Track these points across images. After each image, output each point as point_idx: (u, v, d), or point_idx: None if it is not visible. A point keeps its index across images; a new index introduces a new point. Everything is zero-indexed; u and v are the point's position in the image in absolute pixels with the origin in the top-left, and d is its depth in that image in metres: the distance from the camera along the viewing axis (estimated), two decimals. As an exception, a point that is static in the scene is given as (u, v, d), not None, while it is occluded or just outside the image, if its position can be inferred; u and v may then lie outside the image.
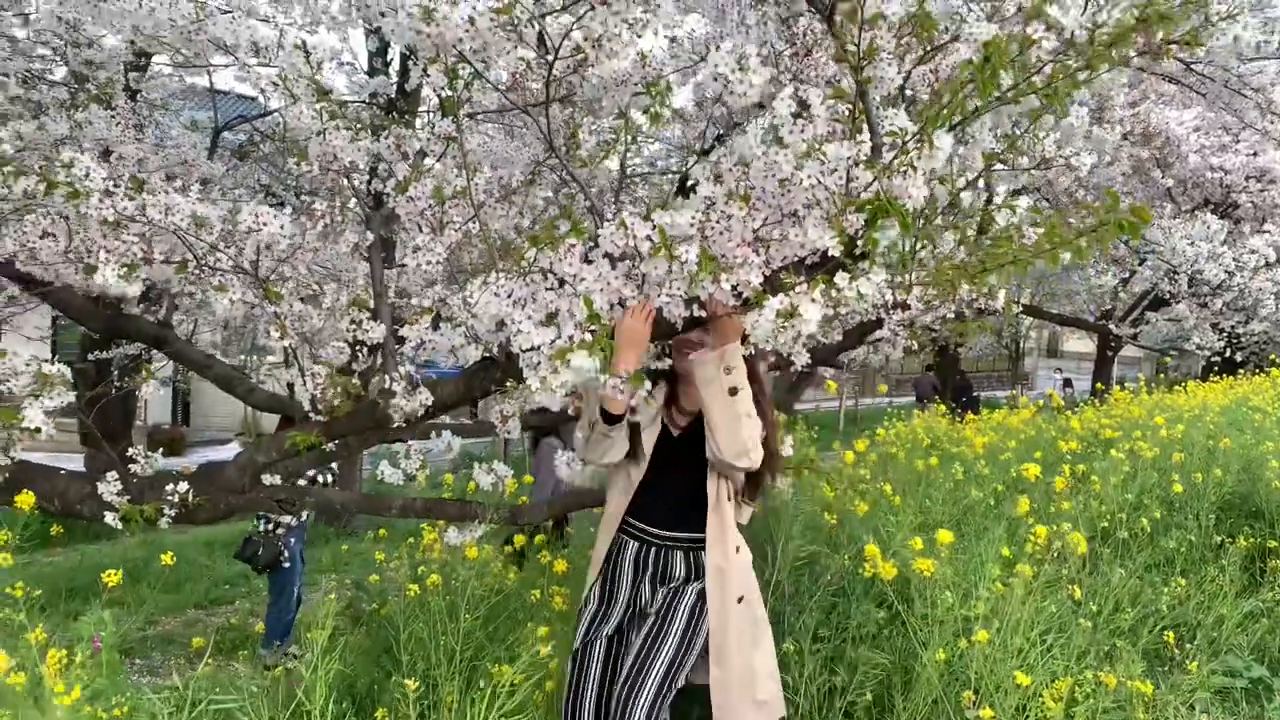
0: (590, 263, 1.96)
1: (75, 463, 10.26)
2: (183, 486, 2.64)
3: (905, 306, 2.91)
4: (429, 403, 2.40)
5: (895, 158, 1.72)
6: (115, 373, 8.24)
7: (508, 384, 2.31)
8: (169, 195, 2.30)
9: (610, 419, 2.18)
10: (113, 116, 4.28)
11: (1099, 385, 13.48)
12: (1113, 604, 2.76)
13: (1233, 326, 11.93)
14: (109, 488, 2.65)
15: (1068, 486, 4.32)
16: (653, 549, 2.35)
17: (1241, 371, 11.51)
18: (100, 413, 10.02)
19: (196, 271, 2.44)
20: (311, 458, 3.02)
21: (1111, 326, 11.73)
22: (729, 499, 2.28)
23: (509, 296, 2.08)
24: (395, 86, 6.76)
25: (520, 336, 1.95)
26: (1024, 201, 2.32)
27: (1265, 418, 6.25)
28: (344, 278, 3.09)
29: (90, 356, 8.72)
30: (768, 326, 1.71)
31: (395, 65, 7.46)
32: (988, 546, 2.54)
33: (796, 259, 1.88)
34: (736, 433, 2.11)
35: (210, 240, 2.41)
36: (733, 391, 2.08)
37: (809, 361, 2.77)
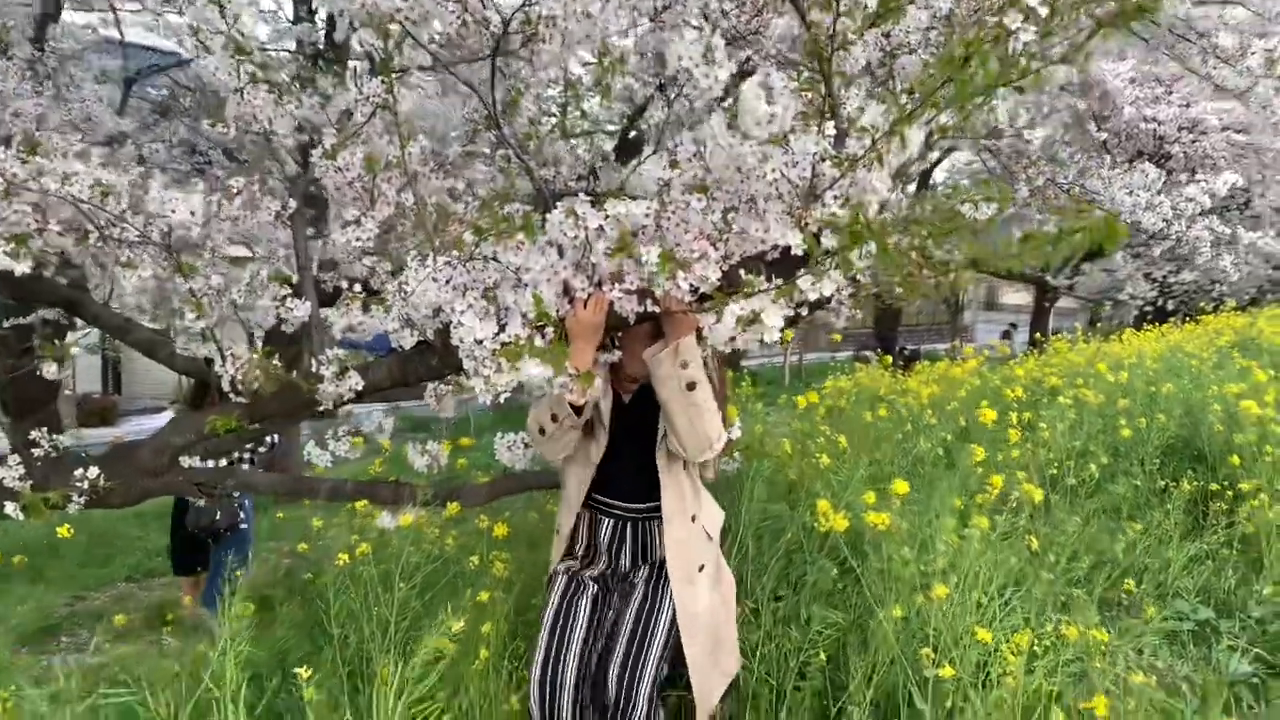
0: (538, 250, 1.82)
1: (-4, 435, 9.84)
2: (92, 471, 2.45)
3: (857, 284, 2.81)
4: (359, 387, 2.24)
5: (865, 155, 1.60)
6: (36, 341, 7.82)
7: (445, 373, 2.16)
8: (68, 160, 2.08)
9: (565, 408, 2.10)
10: (8, 65, 3.98)
11: (1038, 335, 13.69)
12: (1069, 553, 2.71)
13: (1165, 276, 12.18)
14: (9, 472, 2.45)
15: (1017, 436, 4.31)
16: (628, 524, 2.27)
17: (1172, 320, 11.73)
18: (19, 383, 9.58)
19: (99, 244, 2.22)
20: (234, 437, 2.84)
21: (1049, 278, 11.88)
22: (684, 465, 2.19)
23: (448, 282, 1.92)
24: (323, 35, 6.43)
25: (461, 330, 1.80)
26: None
27: (1201, 363, 6.32)
28: (267, 247, 2.87)
29: (5, 322, 8.25)
30: (726, 332, 1.59)
31: (322, 14, 7.11)
32: (942, 498, 2.47)
33: (756, 254, 1.76)
34: (699, 427, 2.03)
35: (116, 211, 2.20)
36: (690, 386, 1.99)
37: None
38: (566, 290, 1.80)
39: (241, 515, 5.49)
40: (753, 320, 1.63)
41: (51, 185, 1.96)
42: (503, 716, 2.31)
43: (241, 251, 2.80)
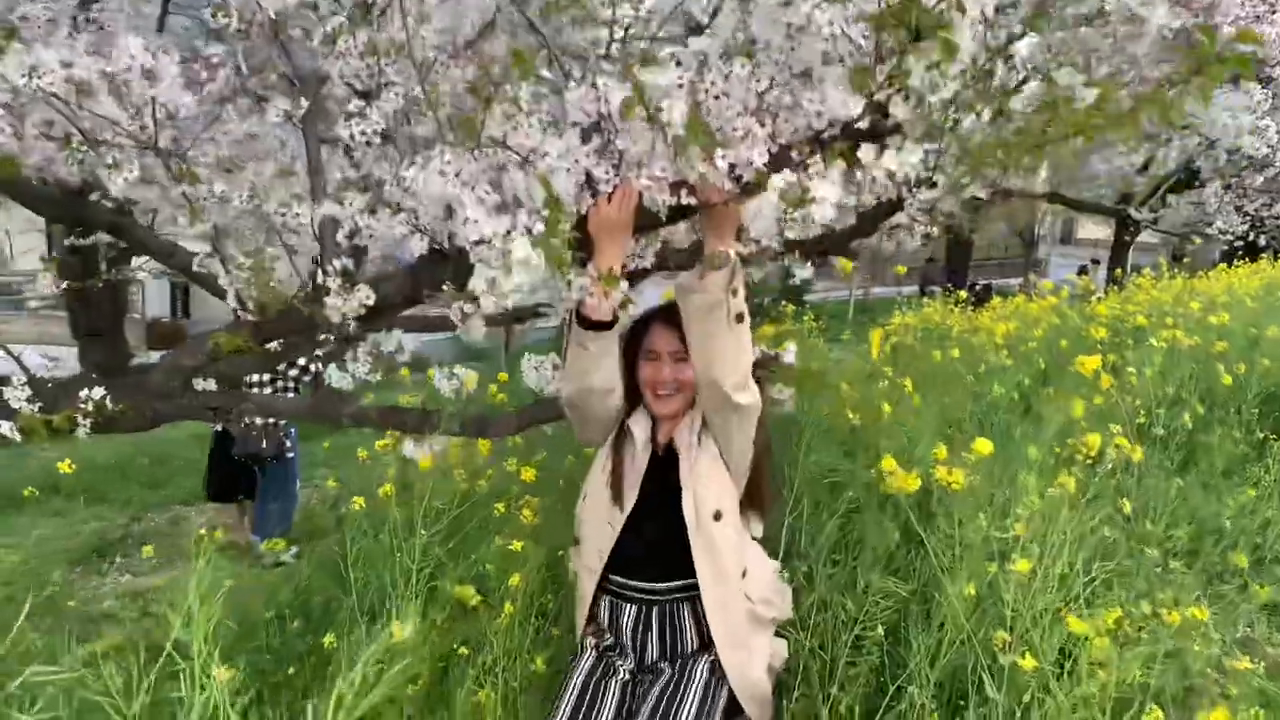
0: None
1: (71, 355, 10.01)
2: (97, 393, 2.30)
3: (932, 185, 2.49)
4: (369, 301, 2.02)
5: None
6: (103, 264, 7.83)
7: (460, 283, 1.93)
8: (35, 48, 1.87)
9: (589, 324, 1.76)
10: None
11: (1118, 271, 13.02)
12: (1165, 519, 2.43)
13: (1257, 209, 11.44)
14: (15, 393, 2.32)
15: (1101, 381, 3.97)
16: (654, 609, 1.91)
17: (1263, 256, 11.05)
18: (86, 306, 9.67)
19: (83, 149, 2.02)
20: (257, 359, 2.68)
21: (1131, 210, 11.22)
22: (717, 516, 1.83)
23: (456, 175, 1.69)
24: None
25: (468, 226, 1.57)
26: (1067, 74, 1.89)
27: (1305, 304, 5.85)
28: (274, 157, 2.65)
29: (68, 243, 8.27)
30: (771, 215, 1.32)
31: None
32: (1020, 452, 2.19)
33: (810, 134, 1.47)
34: (740, 362, 1.73)
35: (101, 111, 1.99)
36: (739, 318, 1.69)
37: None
38: (589, 181, 1.54)
39: (288, 444, 5.43)
40: (801, 200, 1.36)
41: (17, 80, 1.75)
42: (528, 677, 2.13)
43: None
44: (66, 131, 1.98)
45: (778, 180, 1.32)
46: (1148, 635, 1.69)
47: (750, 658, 1.86)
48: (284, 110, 2.34)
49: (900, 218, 3.22)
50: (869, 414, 2.35)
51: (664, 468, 1.90)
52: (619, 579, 1.92)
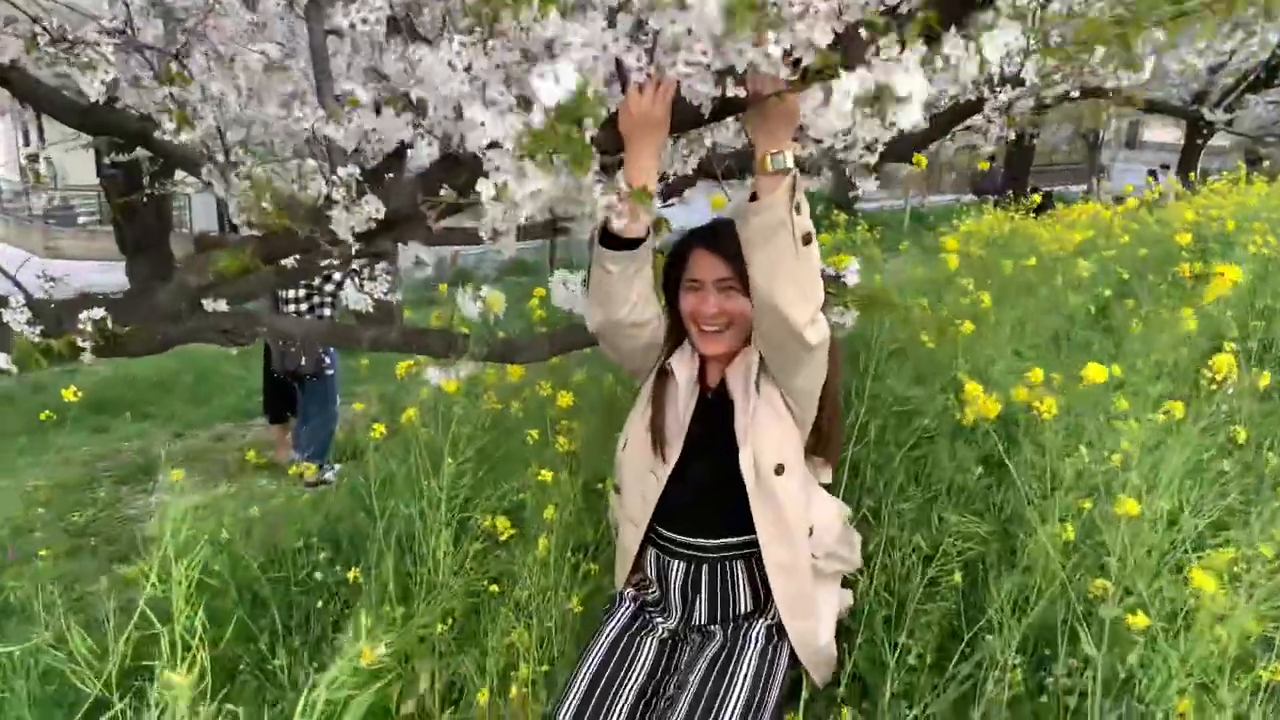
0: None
1: (117, 271, 9.97)
2: (97, 313, 2.14)
3: (1020, 82, 2.19)
4: (379, 214, 1.80)
5: None
6: (146, 177, 7.70)
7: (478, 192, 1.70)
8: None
9: (615, 242, 1.51)
10: None
11: (1191, 175, 12.37)
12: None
13: (1341, 109, 10.77)
14: (15, 315, 2.17)
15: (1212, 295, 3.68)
16: (704, 567, 1.69)
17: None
18: (133, 220, 9.58)
19: (50, 48, 1.81)
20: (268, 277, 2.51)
21: (1205, 111, 10.58)
22: (779, 470, 1.57)
23: (467, 70, 1.45)
24: None
25: (474, 131, 1.34)
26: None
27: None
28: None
29: (110, 159, 8.11)
30: (842, 115, 1.07)
31: None
32: (1113, 374, 1.93)
33: (883, 8, 1.20)
34: (812, 293, 1.45)
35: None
36: (806, 240, 1.40)
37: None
38: (620, 72, 1.30)
39: (327, 360, 5.31)
40: (877, 97, 1.10)
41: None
42: (564, 616, 1.97)
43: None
44: (32, 30, 1.77)
45: (850, 80, 1.06)
46: (1265, 583, 1.46)
47: (818, 625, 1.67)
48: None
49: (974, 120, 2.91)
50: (943, 334, 2.09)
51: (714, 412, 1.66)
52: (667, 533, 1.71)
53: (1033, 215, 7.59)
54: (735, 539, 1.65)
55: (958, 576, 1.67)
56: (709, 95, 1.28)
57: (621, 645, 1.70)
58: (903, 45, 1.10)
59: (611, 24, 1.28)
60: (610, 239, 1.51)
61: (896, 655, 1.69)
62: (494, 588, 2.01)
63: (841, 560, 1.75)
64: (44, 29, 1.73)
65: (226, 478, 5.48)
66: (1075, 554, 1.59)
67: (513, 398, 2.53)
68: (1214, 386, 1.47)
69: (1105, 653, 1.39)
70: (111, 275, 10.29)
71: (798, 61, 1.17)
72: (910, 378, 2.11)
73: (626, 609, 1.77)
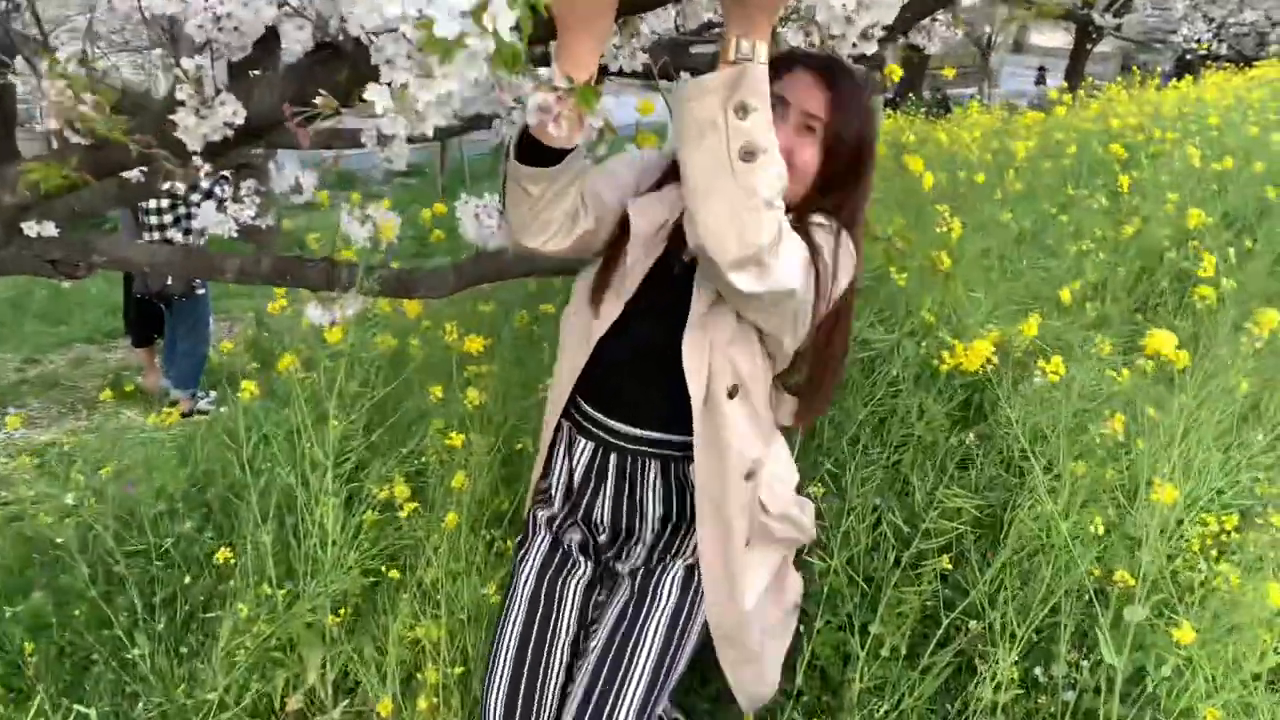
0: None
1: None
2: (-118, 241, 1.71)
3: None
4: (238, 120, 1.41)
5: None
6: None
7: (361, 92, 1.32)
8: None
9: (536, 155, 1.17)
10: None
11: (1088, 79, 12.46)
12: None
13: (1224, 17, 10.97)
14: None
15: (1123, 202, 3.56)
16: (612, 455, 1.38)
17: (1225, 67, 10.61)
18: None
19: None
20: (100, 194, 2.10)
21: (1095, 15, 10.60)
22: (733, 392, 1.28)
23: None
24: None
25: (360, 5, 0.99)
26: None
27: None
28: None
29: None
30: None
31: None
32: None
33: None
34: (743, 226, 1.09)
35: None
36: (747, 156, 1.07)
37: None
38: None
39: (196, 280, 4.80)
40: None
41: None
42: (477, 603, 1.69)
43: None
44: None
45: None
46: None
47: (747, 628, 1.39)
48: None
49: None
50: (933, 270, 1.80)
51: (678, 284, 1.31)
52: (584, 407, 1.40)
53: (931, 118, 7.43)
54: (658, 435, 1.36)
55: (946, 561, 1.45)
56: None
57: (543, 600, 1.43)
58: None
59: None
60: (529, 150, 1.17)
61: (866, 645, 1.47)
62: (394, 572, 1.72)
63: (796, 525, 1.45)
64: None
65: (86, 408, 4.99)
66: (1082, 534, 1.37)
67: (411, 335, 2.20)
68: (1254, 346, 1.25)
69: (1124, 657, 1.19)
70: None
71: None
72: (872, 318, 1.84)
73: (541, 545, 1.48)
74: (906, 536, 1.48)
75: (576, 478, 1.42)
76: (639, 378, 1.35)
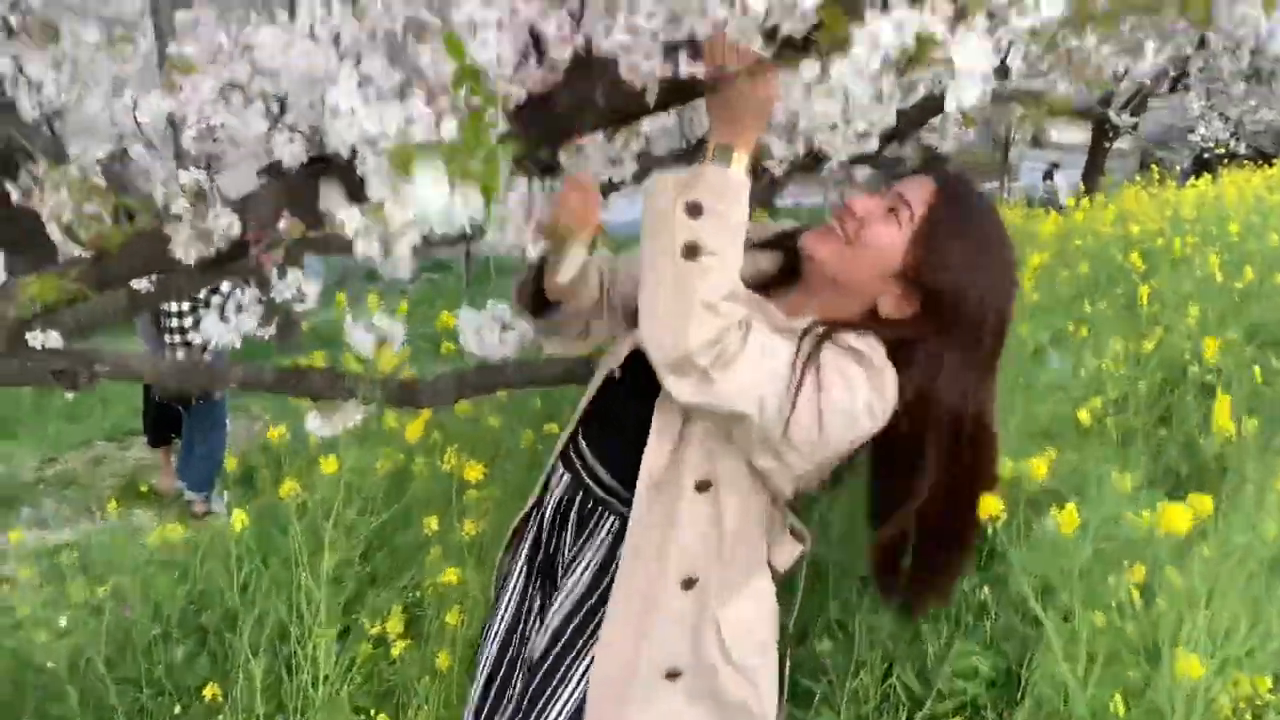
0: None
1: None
2: (-109, 357, 1.72)
3: (1005, 73, 1.93)
4: (233, 232, 1.42)
5: None
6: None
7: (356, 206, 1.33)
8: None
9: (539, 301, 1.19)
10: None
11: (1105, 178, 12.54)
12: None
13: (1240, 115, 11.07)
14: None
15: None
16: (580, 493, 1.29)
17: (1245, 165, 10.69)
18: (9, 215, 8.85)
19: None
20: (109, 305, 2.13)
21: (1111, 114, 10.70)
22: (703, 486, 1.15)
23: (332, 39, 1.12)
24: None
25: (340, 121, 1.00)
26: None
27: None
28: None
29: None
30: (865, 74, 0.75)
31: None
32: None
33: None
34: (678, 324, 1.02)
35: None
36: (690, 253, 1.02)
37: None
38: (537, 44, 0.96)
39: (213, 381, 4.83)
40: (914, 57, 0.80)
41: None
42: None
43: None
44: None
45: (883, 27, 0.74)
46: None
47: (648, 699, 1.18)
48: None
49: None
50: None
51: None
52: (580, 439, 1.32)
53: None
54: (625, 490, 1.23)
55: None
56: (655, 75, 0.95)
57: (508, 592, 1.36)
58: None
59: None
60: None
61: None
62: (382, 716, 1.65)
63: (751, 690, 1.21)
64: None
65: (100, 508, 4.97)
66: (1100, 710, 1.28)
67: (415, 454, 2.17)
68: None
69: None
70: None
71: (775, 31, 0.86)
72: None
73: (510, 594, 1.37)
74: (919, 696, 1.40)
75: (548, 509, 1.34)
76: (627, 424, 1.23)
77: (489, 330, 1.72)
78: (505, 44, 0.95)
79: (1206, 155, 11.60)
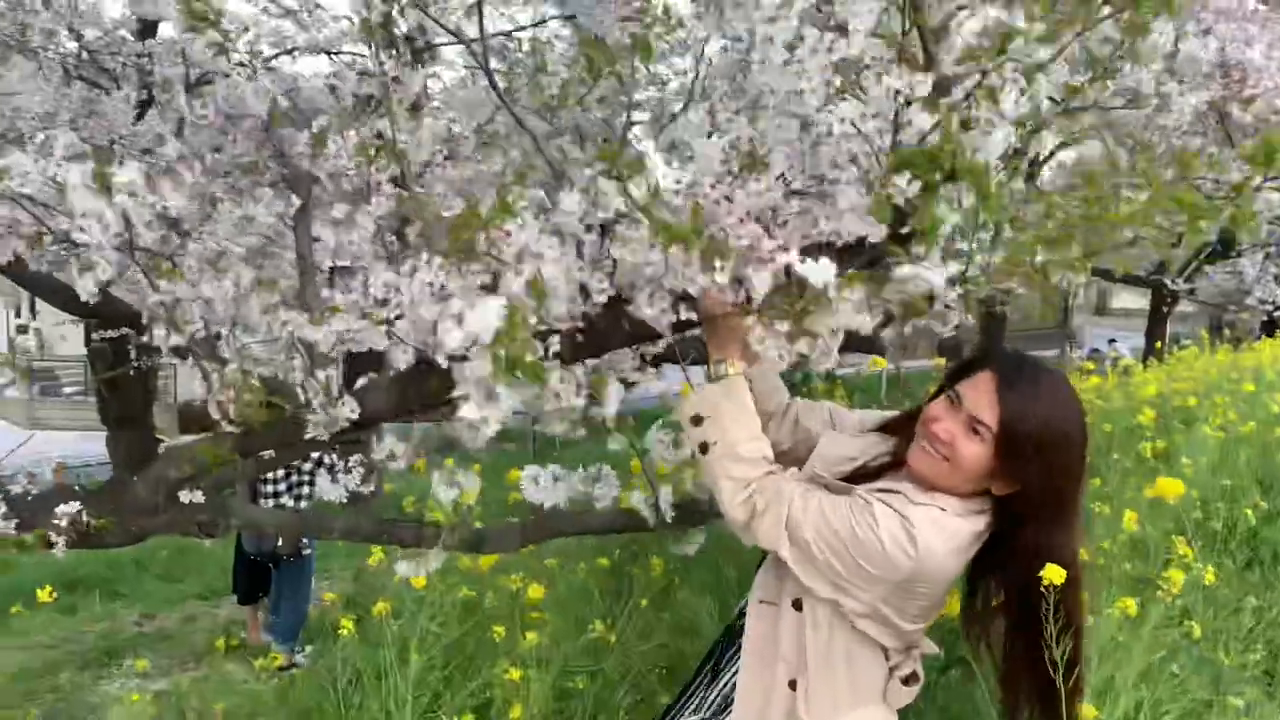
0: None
1: (100, 441, 9.98)
2: (72, 507, 2.17)
3: (965, 280, 2.32)
4: (354, 415, 1.88)
5: (970, 96, 1.15)
6: (132, 349, 7.79)
7: (446, 399, 1.79)
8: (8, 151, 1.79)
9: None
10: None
11: (1159, 344, 12.67)
12: (1242, 642, 2.17)
13: (1297, 276, 11.16)
14: (-8, 510, 2.19)
15: (1147, 467, 3.75)
16: (738, 613, 1.63)
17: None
18: (117, 392, 9.64)
19: (55, 248, 1.92)
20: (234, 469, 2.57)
21: (1166, 281, 10.93)
22: (798, 605, 1.44)
23: (441, 289, 1.55)
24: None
25: (448, 335, 1.43)
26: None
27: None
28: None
29: (97, 335, 8.23)
30: (773, 346, 1.16)
31: None
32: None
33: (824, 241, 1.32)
34: (723, 498, 1.41)
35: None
36: (704, 449, 1.42)
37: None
38: (584, 291, 1.40)
39: (304, 540, 5.26)
40: (802, 330, 1.18)
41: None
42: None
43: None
44: (37, 230, 1.88)
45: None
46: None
47: None
48: (276, 213, 2.25)
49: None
50: None
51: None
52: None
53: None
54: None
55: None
56: (664, 316, 1.39)
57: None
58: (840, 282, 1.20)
59: (578, 252, 1.39)
60: None
61: None
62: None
63: None
64: (48, 229, 1.84)
65: (194, 662, 5.33)
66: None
67: (487, 586, 2.53)
68: (1167, 594, 1.50)
69: None
70: (94, 445, 10.27)
71: (743, 287, 1.28)
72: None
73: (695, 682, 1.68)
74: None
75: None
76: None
77: (547, 480, 2.13)
78: (561, 291, 1.40)
79: (1275, 318, 11.62)
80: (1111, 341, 19.28)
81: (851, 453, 1.52)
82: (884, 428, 1.60)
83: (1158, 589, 1.60)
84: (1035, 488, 1.36)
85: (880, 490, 1.39)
